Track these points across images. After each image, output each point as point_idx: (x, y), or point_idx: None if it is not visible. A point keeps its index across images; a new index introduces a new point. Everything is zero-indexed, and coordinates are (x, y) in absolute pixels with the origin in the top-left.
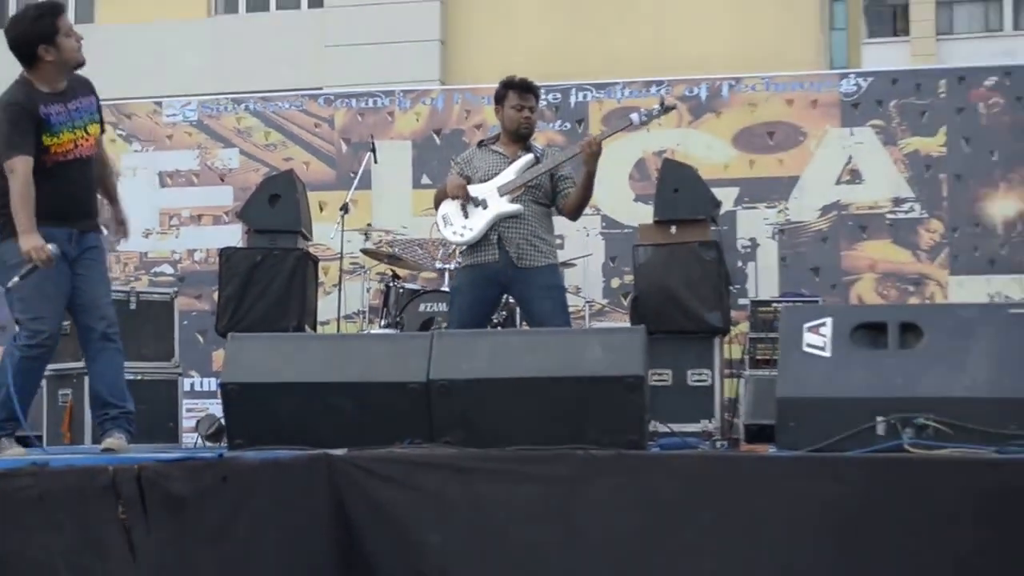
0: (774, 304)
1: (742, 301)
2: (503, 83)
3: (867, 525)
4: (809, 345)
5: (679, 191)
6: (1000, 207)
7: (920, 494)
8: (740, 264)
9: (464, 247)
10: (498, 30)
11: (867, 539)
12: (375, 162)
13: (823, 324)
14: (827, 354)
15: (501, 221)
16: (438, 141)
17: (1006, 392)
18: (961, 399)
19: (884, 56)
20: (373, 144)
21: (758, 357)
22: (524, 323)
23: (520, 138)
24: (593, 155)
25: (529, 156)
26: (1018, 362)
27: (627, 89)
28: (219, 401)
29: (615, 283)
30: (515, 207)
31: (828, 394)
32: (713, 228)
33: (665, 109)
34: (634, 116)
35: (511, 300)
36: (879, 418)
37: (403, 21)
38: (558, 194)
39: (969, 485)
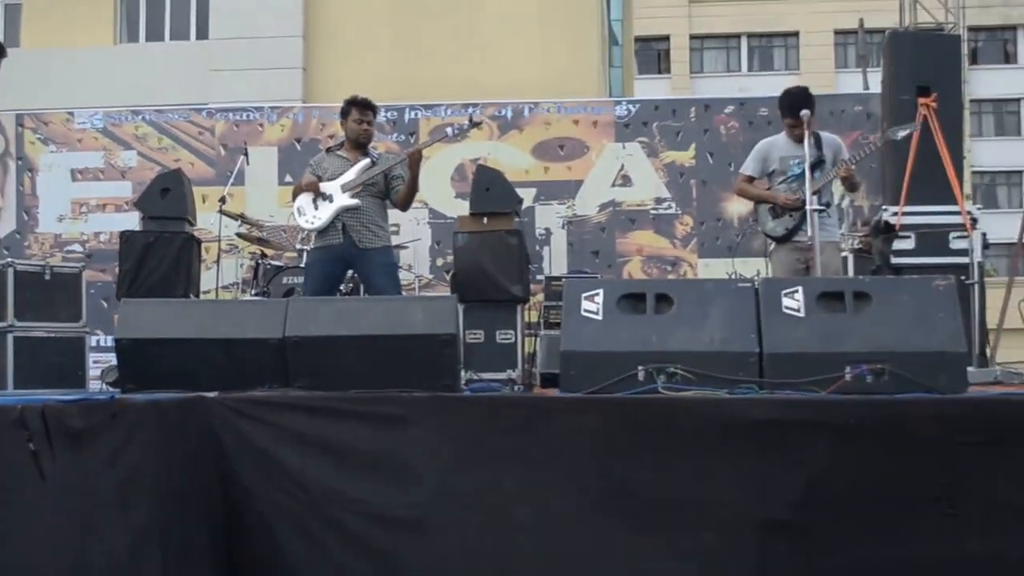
0: (563, 279)
1: (539, 277)
2: (347, 101)
3: (627, 448)
4: (586, 311)
5: (490, 190)
6: (735, 207)
7: (668, 425)
8: (538, 248)
9: (315, 233)
10: (349, 60)
11: (627, 459)
12: (247, 164)
13: (597, 294)
14: (599, 317)
15: (344, 211)
16: (298, 148)
17: (735, 348)
18: (701, 353)
19: (650, 88)
20: (246, 149)
21: (551, 320)
22: (365, 294)
23: (360, 146)
24: (416, 161)
25: (367, 160)
26: (742, 324)
27: (449, 109)
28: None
29: (439, 262)
30: (354, 200)
31: (600, 348)
32: (516, 220)
33: (472, 125)
34: (448, 130)
35: (356, 276)
36: (640, 367)
37: (272, 52)
38: (391, 190)
39: (704, 418)
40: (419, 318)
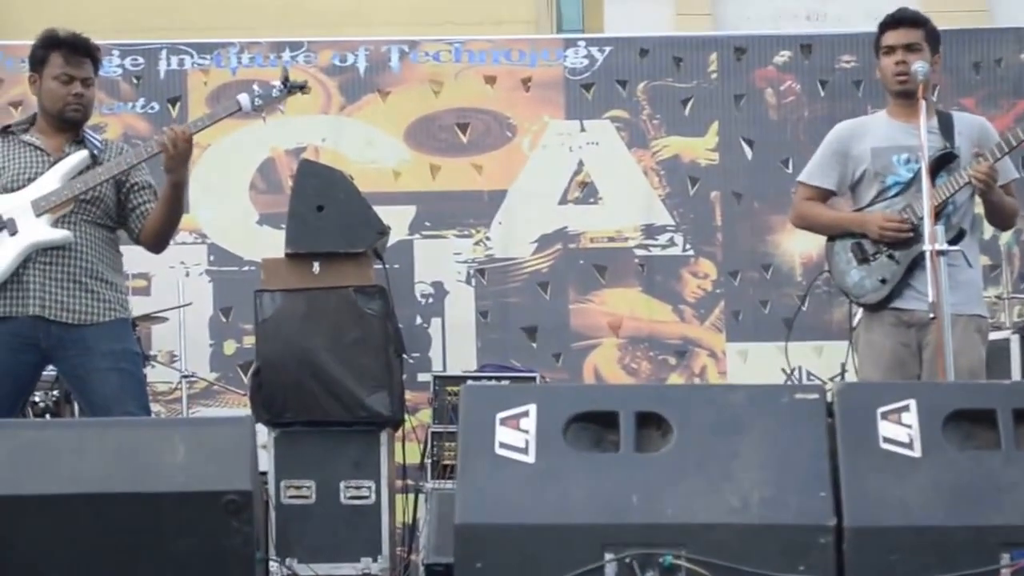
0: (465, 381)
1: (422, 377)
2: (43, 40)
3: None
4: (504, 445)
5: (325, 209)
6: (795, 243)
7: None
8: (420, 321)
9: None
10: None
11: None
12: None
13: (524, 414)
14: (529, 458)
15: (38, 254)
16: None
17: (789, 518)
18: (725, 526)
19: (635, 15)
20: None
21: (445, 462)
22: (81, 410)
23: (69, 124)
24: (178, 155)
25: (83, 153)
26: (804, 471)
27: (246, 53)
28: None
29: (229, 348)
30: (60, 233)
31: (530, 519)
32: (378, 266)
33: (290, 88)
34: (243, 98)
35: (60, 375)
36: (608, 555)
37: None
38: (130, 212)
39: None
40: (181, 460)
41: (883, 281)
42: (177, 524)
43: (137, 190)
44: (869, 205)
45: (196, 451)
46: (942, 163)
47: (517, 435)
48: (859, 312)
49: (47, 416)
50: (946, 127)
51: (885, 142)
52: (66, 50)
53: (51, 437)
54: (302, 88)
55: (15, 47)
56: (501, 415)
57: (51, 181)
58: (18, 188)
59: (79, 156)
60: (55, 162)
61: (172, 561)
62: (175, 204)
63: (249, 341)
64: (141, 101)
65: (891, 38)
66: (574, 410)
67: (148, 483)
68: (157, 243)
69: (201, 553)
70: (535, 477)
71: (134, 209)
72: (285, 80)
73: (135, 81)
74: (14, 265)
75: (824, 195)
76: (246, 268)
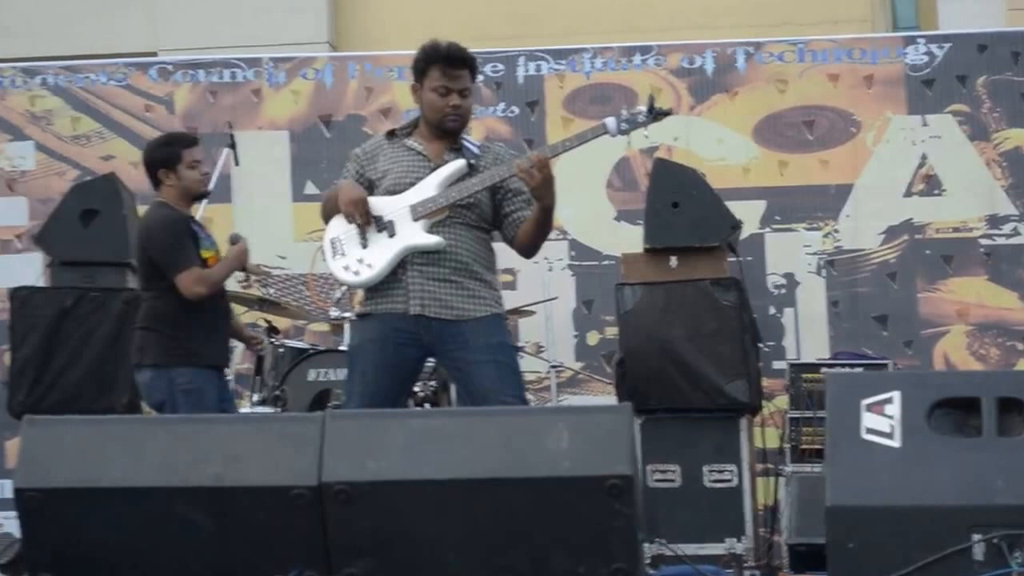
0: (823, 369)
1: (777, 365)
2: (424, 52)
3: None
4: (870, 430)
5: (680, 205)
6: None
7: None
8: (773, 311)
9: (363, 289)
10: None
11: None
12: (236, 163)
13: (889, 400)
14: (895, 443)
15: (414, 256)
16: (327, 133)
17: None
18: None
19: (969, 12)
20: (232, 137)
21: (803, 446)
22: (458, 398)
23: (447, 133)
24: (540, 183)
25: (460, 162)
26: None
27: (598, 59)
28: (16, 514)
29: (592, 339)
30: (433, 239)
31: (899, 501)
32: (731, 259)
33: (656, 115)
34: (610, 122)
35: (439, 368)
36: (975, 536)
37: None
38: (504, 219)
39: None
40: (564, 446)
41: None
42: (562, 508)
43: (511, 196)
44: None
45: (579, 438)
46: None
47: (882, 420)
48: None
49: (426, 405)
50: None
51: None
52: (445, 62)
53: (441, 425)
54: (667, 114)
55: (383, 57)
56: (866, 401)
57: (429, 187)
58: (400, 191)
59: (456, 165)
60: (434, 168)
61: (557, 543)
62: (544, 226)
63: (611, 332)
64: (501, 106)
65: None
66: (937, 396)
67: (534, 469)
68: (528, 252)
69: (585, 535)
70: (902, 461)
71: (508, 215)
72: (651, 107)
73: (495, 87)
74: (391, 266)
75: None
76: (605, 262)
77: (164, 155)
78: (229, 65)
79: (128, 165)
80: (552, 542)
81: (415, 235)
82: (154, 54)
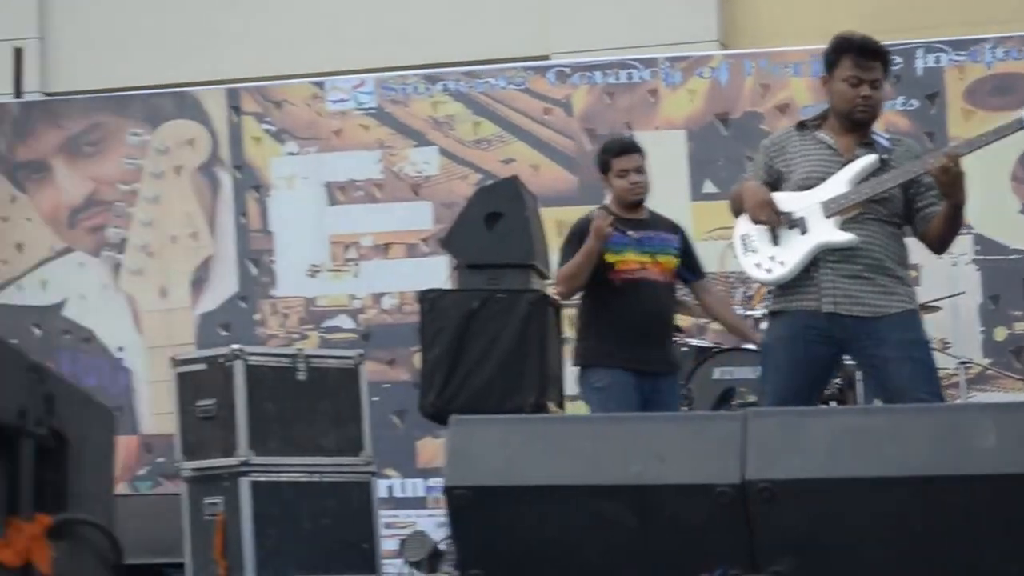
0: None
1: None
2: (836, 43)
3: None
4: None
5: None
6: None
7: None
8: None
9: (775, 286)
10: None
11: None
12: None
13: None
14: None
15: (826, 253)
16: (724, 131)
17: None
18: None
19: None
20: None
21: None
22: (867, 395)
23: (856, 125)
24: (948, 182)
25: (872, 157)
26: None
27: (999, 48)
28: (428, 512)
29: (1000, 334)
30: (846, 236)
31: None
32: None
33: None
34: None
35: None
36: None
37: None
38: (916, 213)
39: None
40: (993, 443)
41: None
42: (993, 506)
43: (924, 191)
44: None
45: (1008, 435)
46: None
47: None
48: None
49: (831, 403)
50: None
51: None
52: (857, 53)
53: (864, 422)
54: None
55: (779, 54)
56: None
57: (840, 183)
58: (810, 186)
59: (868, 159)
60: (845, 163)
61: (989, 542)
62: (954, 221)
63: (1019, 327)
64: (900, 99)
65: None
66: None
67: (964, 466)
68: (939, 247)
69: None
70: None
71: (920, 210)
72: None
73: (895, 80)
74: (804, 263)
75: None
76: (1012, 256)
77: (599, 162)
78: (625, 66)
79: (528, 168)
80: (984, 541)
81: (828, 232)
82: (546, 57)
